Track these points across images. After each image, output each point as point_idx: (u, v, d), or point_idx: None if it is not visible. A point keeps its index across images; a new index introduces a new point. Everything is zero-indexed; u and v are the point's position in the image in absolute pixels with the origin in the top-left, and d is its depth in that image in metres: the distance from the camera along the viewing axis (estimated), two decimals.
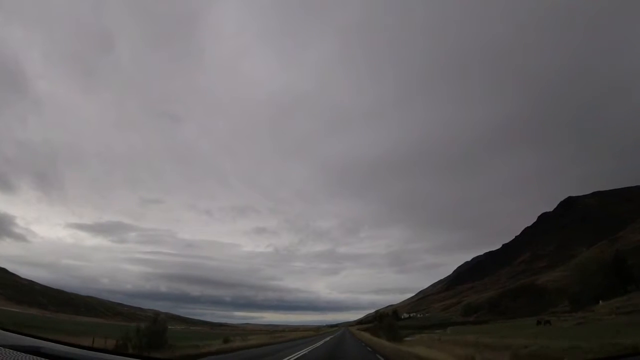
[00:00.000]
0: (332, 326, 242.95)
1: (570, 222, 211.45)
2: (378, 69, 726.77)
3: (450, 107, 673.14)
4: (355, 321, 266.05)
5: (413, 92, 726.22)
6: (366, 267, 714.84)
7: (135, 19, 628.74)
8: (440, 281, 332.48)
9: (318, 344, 25.32)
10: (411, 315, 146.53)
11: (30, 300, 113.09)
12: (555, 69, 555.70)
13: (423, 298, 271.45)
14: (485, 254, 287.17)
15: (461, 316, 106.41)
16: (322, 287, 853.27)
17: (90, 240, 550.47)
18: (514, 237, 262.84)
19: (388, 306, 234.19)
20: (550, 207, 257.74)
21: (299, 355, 16.95)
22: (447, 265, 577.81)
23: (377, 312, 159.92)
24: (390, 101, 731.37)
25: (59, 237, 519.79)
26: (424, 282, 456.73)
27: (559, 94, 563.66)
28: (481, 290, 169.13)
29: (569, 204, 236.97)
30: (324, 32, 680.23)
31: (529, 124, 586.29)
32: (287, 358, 15.76)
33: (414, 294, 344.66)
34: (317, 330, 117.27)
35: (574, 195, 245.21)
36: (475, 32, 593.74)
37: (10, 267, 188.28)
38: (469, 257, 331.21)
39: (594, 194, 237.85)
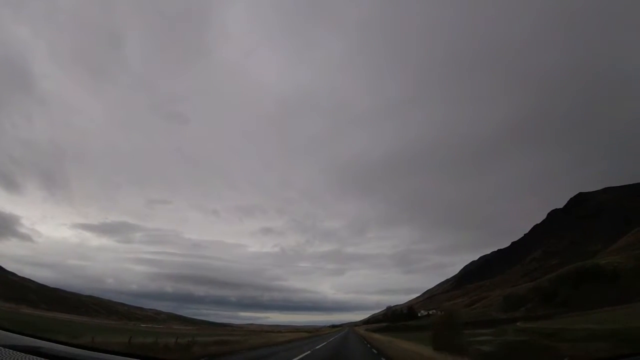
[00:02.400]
0: (334, 326, 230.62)
1: (583, 218, 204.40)
2: (385, 69, 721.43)
3: (459, 107, 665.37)
4: (361, 321, 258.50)
5: (421, 91, 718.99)
6: (372, 268, 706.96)
7: (143, 17, 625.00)
8: (446, 280, 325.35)
9: None
10: (430, 312, 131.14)
11: (19, 298, 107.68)
12: (565, 66, 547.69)
13: (430, 297, 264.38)
14: (493, 252, 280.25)
15: (502, 311, 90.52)
16: (327, 287, 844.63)
17: (95, 240, 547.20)
18: (523, 235, 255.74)
19: (395, 306, 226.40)
20: (559, 204, 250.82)
21: None
22: (453, 265, 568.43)
23: (388, 308, 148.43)
24: (398, 101, 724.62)
25: (64, 237, 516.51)
26: (429, 282, 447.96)
27: (569, 92, 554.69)
28: (497, 287, 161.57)
29: (580, 200, 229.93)
30: (335, 30, 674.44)
31: (538, 122, 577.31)
32: None
33: (419, 294, 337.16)
34: (312, 333, 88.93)
35: (584, 191, 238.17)
36: (486, 31, 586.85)
37: (13, 267, 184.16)
38: (475, 257, 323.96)
39: (605, 189, 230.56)
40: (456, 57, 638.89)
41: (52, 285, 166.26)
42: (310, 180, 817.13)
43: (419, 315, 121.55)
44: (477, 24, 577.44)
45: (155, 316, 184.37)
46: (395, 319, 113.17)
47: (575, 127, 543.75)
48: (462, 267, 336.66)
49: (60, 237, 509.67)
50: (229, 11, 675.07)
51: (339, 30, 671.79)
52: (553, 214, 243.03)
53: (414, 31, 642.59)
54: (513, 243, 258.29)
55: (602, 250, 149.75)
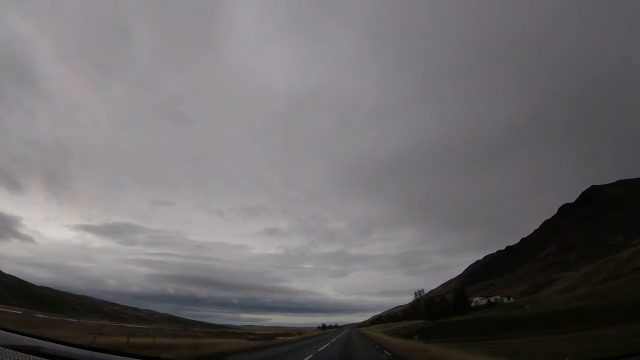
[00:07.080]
0: (324, 327, 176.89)
1: (598, 212, 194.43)
2: (390, 67, 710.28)
3: (467, 105, 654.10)
4: (369, 320, 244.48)
5: (428, 90, 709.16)
6: (376, 269, 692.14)
7: (150, 11, 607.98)
8: (450, 281, 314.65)
9: None
10: (494, 299, 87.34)
11: None
12: (574, 59, 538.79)
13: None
14: (500, 250, 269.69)
15: None
16: (330, 289, 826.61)
17: (98, 241, 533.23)
18: (532, 231, 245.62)
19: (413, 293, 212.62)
20: (570, 200, 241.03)
21: None
22: (456, 267, 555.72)
23: (417, 295, 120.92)
24: (406, 99, 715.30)
25: (66, 238, 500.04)
26: (432, 283, 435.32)
27: (579, 85, 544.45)
28: (515, 284, 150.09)
29: (592, 194, 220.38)
30: (343, 26, 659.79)
31: (547, 118, 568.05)
32: None
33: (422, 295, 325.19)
34: (267, 341, 42.57)
35: (597, 184, 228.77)
36: (494, 28, 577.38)
37: (9, 267, 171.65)
38: (480, 257, 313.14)
39: (618, 182, 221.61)
40: (465, 55, 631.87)
41: (50, 286, 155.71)
42: (316, 180, 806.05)
43: (475, 304, 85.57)
44: (486, 22, 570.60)
45: (147, 317, 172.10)
46: (434, 314, 76.89)
47: (585, 121, 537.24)
48: (466, 267, 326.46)
49: (63, 238, 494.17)
50: (238, 5, 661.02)
51: (348, 26, 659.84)
52: (564, 209, 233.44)
53: (423, 29, 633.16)
54: (522, 239, 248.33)
55: (625, 242, 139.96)
